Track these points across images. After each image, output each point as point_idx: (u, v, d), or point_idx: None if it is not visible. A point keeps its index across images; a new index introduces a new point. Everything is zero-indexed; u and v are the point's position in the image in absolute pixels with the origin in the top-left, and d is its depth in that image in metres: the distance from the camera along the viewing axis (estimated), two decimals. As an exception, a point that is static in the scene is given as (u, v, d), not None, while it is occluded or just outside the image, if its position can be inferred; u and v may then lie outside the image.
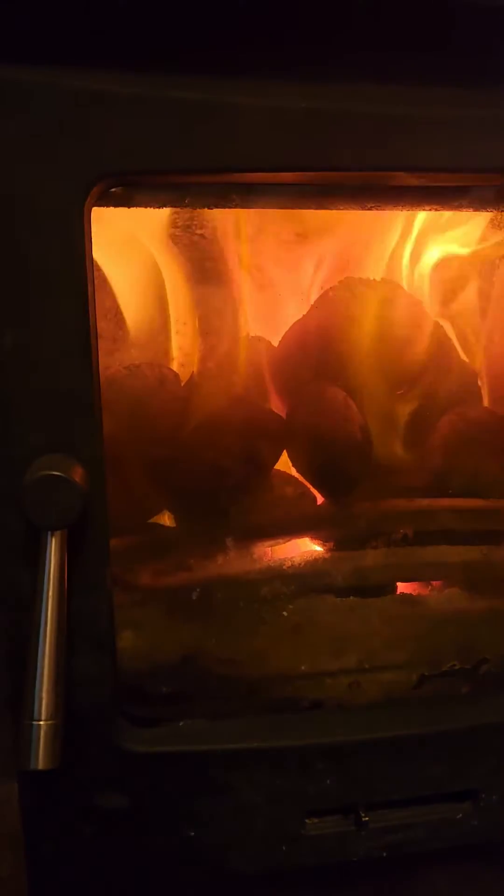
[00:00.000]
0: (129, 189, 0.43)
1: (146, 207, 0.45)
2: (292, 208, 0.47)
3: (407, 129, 0.41)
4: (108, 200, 0.44)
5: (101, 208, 0.44)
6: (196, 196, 0.44)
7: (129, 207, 0.44)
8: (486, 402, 0.63)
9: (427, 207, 0.50)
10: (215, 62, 0.39)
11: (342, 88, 0.41)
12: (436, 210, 0.52)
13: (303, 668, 0.54)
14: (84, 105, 0.39)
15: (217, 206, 0.46)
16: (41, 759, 0.41)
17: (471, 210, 0.51)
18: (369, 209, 0.47)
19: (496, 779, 0.56)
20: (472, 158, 0.42)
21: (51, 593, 0.42)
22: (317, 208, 0.49)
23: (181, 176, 0.41)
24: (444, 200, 0.47)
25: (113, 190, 0.43)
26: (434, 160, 0.42)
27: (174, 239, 0.56)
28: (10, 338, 0.42)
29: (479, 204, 0.49)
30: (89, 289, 0.42)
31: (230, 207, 0.45)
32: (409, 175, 0.42)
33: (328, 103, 0.40)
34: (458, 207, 0.48)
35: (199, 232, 0.55)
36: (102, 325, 0.56)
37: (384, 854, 0.56)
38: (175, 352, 0.62)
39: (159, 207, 0.46)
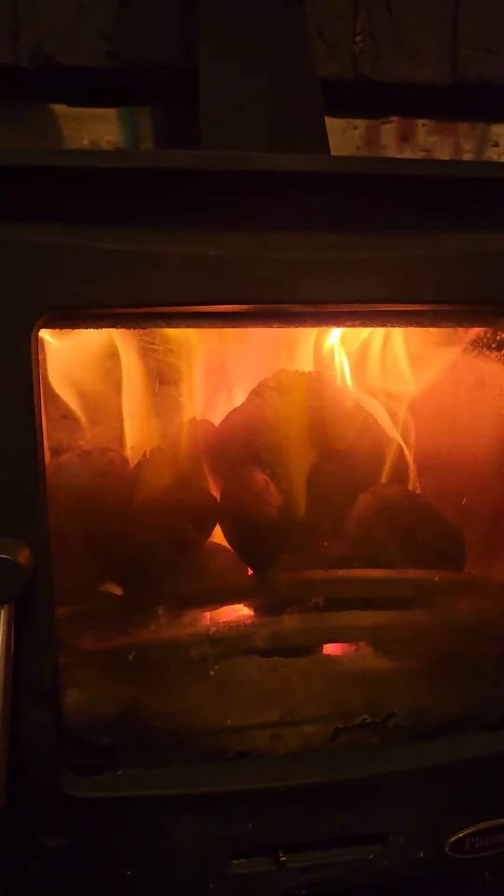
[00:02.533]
0: (72, 316, 0.51)
1: (86, 329, 0.53)
2: (208, 327, 0.55)
3: (298, 269, 0.50)
4: (55, 323, 0.52)
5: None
6: (128, 320, 0.53)
7: (73, 329, 0.53)
8: (401, 482, 0.71)
9: (328, 325, 0.58)
10: (137, 219, 0.48)
11: (245, 238, 0.50)
12: (328, 327, 0.61)
13: (229, 721, 0.60)
14: (28, 254, 0.47)
15: (146, 327, 0.55)
16: (-13, 801, 0.48)
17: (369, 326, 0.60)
18: (275, 327, 0.55)
19: (403, 822, 0.62)
20: (353, 293, 0.51)
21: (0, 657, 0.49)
22: (230, 328, 0.57)
23: (112, 309, 0.50)
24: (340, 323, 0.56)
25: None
26: (321, 294, 0.51)
27: (127, 344, 0.65)
28: (-32, 440, 0.50)
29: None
30: (35, 398, 0.50)
31: (157, 327, 0.54)
32: (301, 305, 0.51)
33: (232, 251, 0.49)
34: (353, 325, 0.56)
35: (147, 339, 0.64)
36: (56, 418, 0.64)
37: (303, 892, 0.62)
38: (126, 436, 0.70)
39: (97, 328, 0.54)
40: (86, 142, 0.76)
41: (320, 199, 0.50)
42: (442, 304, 0.53)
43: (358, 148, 0.82)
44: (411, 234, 0.51)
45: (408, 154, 0.83)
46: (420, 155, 0.84)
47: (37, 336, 0.49)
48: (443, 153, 0.84)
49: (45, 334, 0.54)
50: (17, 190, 0.47)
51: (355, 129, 0.81)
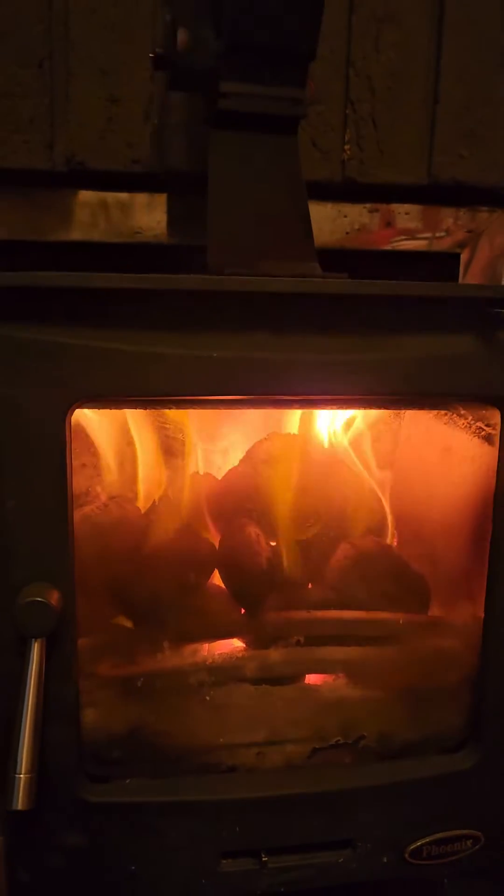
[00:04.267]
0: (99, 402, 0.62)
1: (111, 409, 0.64)
2: (211, 409, 0.66)
3: (284, 368, 0.61)
4: (85, 406, 0.63)
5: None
6: (145, 404, 0.64)
7: (99, 409, 0.64)
8: (375, 534, 0.82)
9: (311, 408, 0.69)
10: (152, 326, 0.59)
11: (242, 341, 0.61)
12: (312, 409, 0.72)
13: (221, 740, 0.70)
14: (64, 354, 0.58)
15: (158, 408, 0.66)
16: (20, 802, 0.58)
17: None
18: (270, 408, 0.66)
19: (369, 831, 0.72)
20: (329, 387, 0.62)
21: (33, 682, 0.59)
22: (229, 409, 0.68)
23: (132, 398, 0.61)
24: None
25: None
26: (304, 388, 0.62)
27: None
28: (12, 503, 0.60)
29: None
30: (68, 468, 0.61)
31: (168, 408, 0.65)
32: (290, 397, 0.61)
33: (231, 353, 0.60)
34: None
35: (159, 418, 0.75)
36: (76, 467, 0.75)
37: (282, 889, 0.72)
38: (140, 489, 0.81)
39: (119, 409, 0.65)
40: (102, 225, 0.87)
41: (304, 311, 0.61)
42: (404, 395, 0.64)
43: (347, 233, 0.93)
44: (378, 338, 0.62)
45: (394, 231, 0.94)
46: (401, 239, 0.94)
47: (70, 419, 0.60)
48: (423, 236, 0.95)
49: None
50: (54, 303, 0.58)
51: (345, 216, 0.92)
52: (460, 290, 0.63)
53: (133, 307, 0.59)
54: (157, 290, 0.58)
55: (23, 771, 0.58)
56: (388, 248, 0.93)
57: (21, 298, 0.57)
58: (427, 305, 0.63)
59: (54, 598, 0.60)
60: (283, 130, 0.66)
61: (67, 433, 0.60)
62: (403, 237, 0.94)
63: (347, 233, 0.92)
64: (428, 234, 0.94)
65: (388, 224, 0.93)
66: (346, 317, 0.62)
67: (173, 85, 0.69)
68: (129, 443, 0.77)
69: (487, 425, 0.73)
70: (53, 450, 0.60)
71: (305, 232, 0.68)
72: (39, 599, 0.58)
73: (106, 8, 0.78)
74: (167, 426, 0.74)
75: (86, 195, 0.85)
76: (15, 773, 0.58)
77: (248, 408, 0.67)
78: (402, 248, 0.93)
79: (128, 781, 0.69)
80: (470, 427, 0.77)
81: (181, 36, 0.62)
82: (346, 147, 0.86)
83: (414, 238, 0.94)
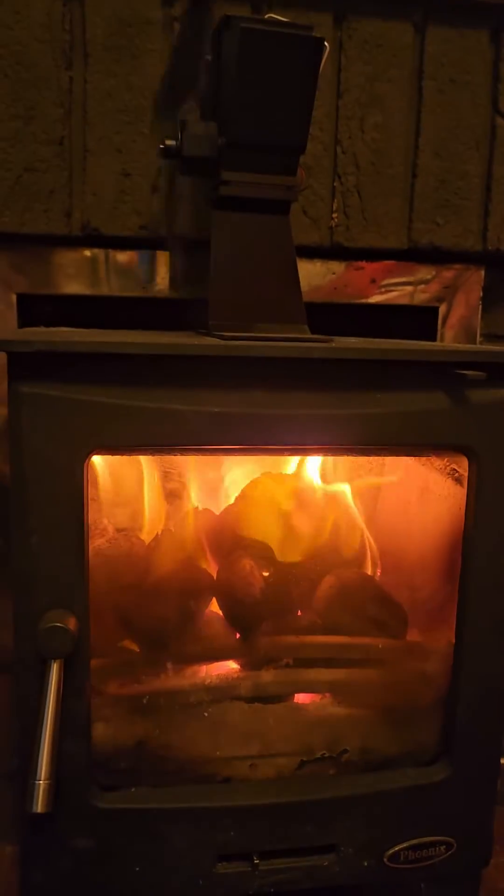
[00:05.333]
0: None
1: (124, 455, 0.72)
2: (210, 455, 0.75)
3: (275, 421, 0.69)
4: (100, 452, 0.72)
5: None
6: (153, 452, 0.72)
7: (113, 455, 0.72)
8: (358, 566, 0.90)
9: (301, 455, 0.78)
10: (160, 384, 0.67)
11: (238, 397, 0.69)
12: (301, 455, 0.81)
13: (218, 753, 0.78)
14: (83, 409, 0.66)
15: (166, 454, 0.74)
16: (40, 804, 0.65)
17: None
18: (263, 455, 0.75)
19: (351, 837, 0.79)
20: (316, 438, 0.70)
21: (52, 698, 0.67)
22: (226, 455, 0.77)
23: (144, 449, 0.69)
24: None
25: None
26: (293, 439, 0.70)
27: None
28: (35, 538, 0.68)
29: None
30: (85, 507, 0.69)
31: (173, 454, 0.73)
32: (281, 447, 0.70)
33: (229, 408, 0.68)
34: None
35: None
36: (93, 509, 0.83)
37: (272, 890, 0.79)
38: (145, 524, 0.89)
39: (131, 455, 0.74)
40: (114, 281, 0.96)
41: (294, 372, 0.69)
42: (382, 445, 0.72)
43: (335, 288, 1.02)
44: (358, 395, 0.71)
45: (375, 295, 1.03)
46: (385, 293, 1.03)
47: (87, 466, 0.68)
48: (403, 292, 1.04)
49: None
50: (75, 365, 0.66)
51: (333, 273, 1.01)
52: (429, 354, 0.71)
53: (144, 368, 0.67)
54: (168, 355, 0.66)
55: (42, 777, 0.66)
56: (372, 301, 1.02)
57: (48, 361, 0.66)
58: (401, 367, 0.72)
59: (72, 623, 0.67)
60: (276, 211, 0.76)
61: (85, 477, 0.68)
62: (386, 292, 1.03)
63: (335, 288, 1.01)
64: (409, 290, 1.03)
65: (373, 280, 1.02)
66: (331, 377, 0.70)
67: (181, 171, 0.78)
68: (135, 481, 0.85)
69: (458, 469, 0.81)
70: (72, 492, 0.68)
71: (296, 298, 0.77)
72: (59, 624, 0.66)
73: (120, 93, 0.88)
74: (170, 468, 0.82)
75: (98, 254, 0.94)
76: (35, 780, 0.66)
77: (244, 455, 0.75)
78: (385, 301, 1.02)
79: (133, 790, 0.76)
80: (444, 469, 0.85)
81: (189, 131, 0.71)
82: (334, 215, 0.95)
83: (396, 293, 1.03)
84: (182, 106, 0.85)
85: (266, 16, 0.69)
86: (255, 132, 0.69)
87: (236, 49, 0.66)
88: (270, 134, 0.70)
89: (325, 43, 0.68)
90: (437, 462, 0.87)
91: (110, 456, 0.77)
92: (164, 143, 0.73)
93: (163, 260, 0.96)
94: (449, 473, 0.85)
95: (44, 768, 0.65)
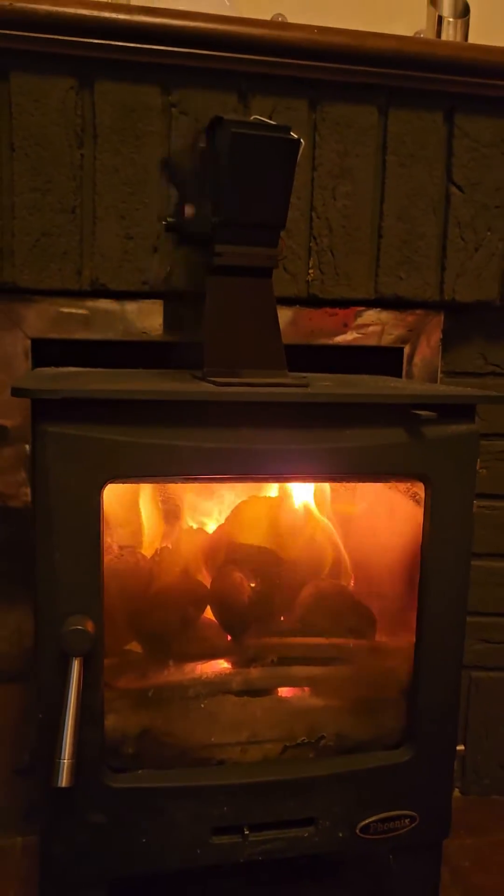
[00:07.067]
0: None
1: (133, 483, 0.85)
2: (206, 483, 0.88)
3: (263, 456, 0.83)
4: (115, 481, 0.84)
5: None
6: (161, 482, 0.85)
7: (122, 483, 0.85)
8: (333, 578, 1.03)
9: (285, 482, 0.91)
10: (164, 423, 0.80)
11: (230, 434, 0.82)
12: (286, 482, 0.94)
13: (213, 739, 0.90)
14: (99, 446, 0.79)
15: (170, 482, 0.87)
16: (64, 779, 0.77)
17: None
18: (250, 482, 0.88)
19: (328, 811, 0.91)
20: (300, 469, 0.84)
21: (73, 690, 0.79)
22: (219, 483, 0.90)
23: (151, 479, 0.82)
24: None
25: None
26: (278, 470, 0.83)
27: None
28: (58, 554, 0.81)
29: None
30: (101, 528, 0.81)
31: (175, 483, 0.86)
32: (266, 476, 0.83)
33: (221, 444, 0.81)
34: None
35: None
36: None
37: (259, 858, 0.91)
38: (146, 540, 1.02)
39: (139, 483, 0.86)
40: (117, 326, 1.09)
41: (277, 413, 0.83)
42: (352, 474, 0.86)
43: (312, 332, 1.15)
44: (331, 431, 0.84)
45: (349, 334, 1.17)
46: (355, 336, 1.17)
47: (102, 494, 0.81)
48: (372, 334, 1.18)
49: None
50: (93, 408, 0.79)
51: (311, 319, 1.15)
52: (389, 397, 0.85)
53: (151, 411, 0.80)
54: (171, 401, 0.80)
55: (66, 757, 0.78)
56: (344, 344, 1.16)
57: (70, 406, 0.78)
58: (366, 408, 0.85)
59: (90, 626, 0.80)
60: (261, 276, 0.89)
61: (101, 502, 0.81)
62: (357, 335, 1.17)
63: (312, 332, 1.15)
64: (377, 333, 1.17)
65: (345, 325, 1.16)
66: (307, 417, 0.84)
67: (181, 242, 0.91)
68: (137, 504, 0.98)
69: (417, 493, 0.95)
70: (91, 515, 0.80)
71: (277, 347, 0.91)
72: (80, 627, 0.79)
73: (125, 168, 1.01)
74: (169, 493, 0.95)
75: (104, 304, 1.07)
76: (60, 759, 0.78)
77: (234, 482, 0.88)
78: (356, 343, 1.16)
79: (140, 771, 0.88)
80: (407, 492, 0.99)
81: (187, 210, 0.85)
82: (311, 271, 1.09)
83: (365, 335, 1.17)
84: (179, 180, 0.99)
85: (252, 117, 0.83)
86: (244, 213, 0.83)
87: (227, 148, 0.79)
88: (256, 214, 0.84)
89: (302, 140, 0.82)
90: (400, 487, 1.00)
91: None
92: (166, 220, 0.87)
93: (157, 308, 1.09)
94: (411, 496, 0.98)
95: (68, 748, 0.77)
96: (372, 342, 1.17)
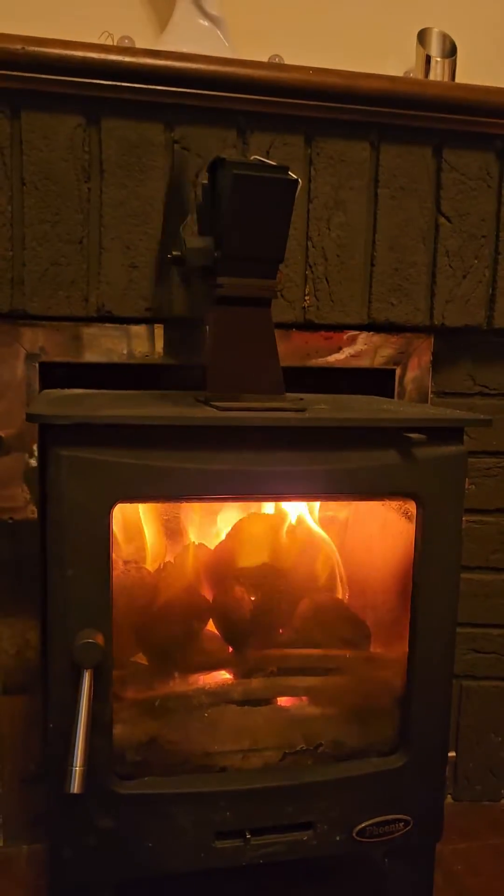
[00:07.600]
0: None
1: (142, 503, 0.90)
2: (208, 502, 0.92)
3: (262, 477, 0.87)
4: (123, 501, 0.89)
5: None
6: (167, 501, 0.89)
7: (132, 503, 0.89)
8: (329, 591, 1.07)
9: (284, 500, 0.96)
10: (170, 447, 0.85)
11: (231, 457, 0.87)
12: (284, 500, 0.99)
13: (216, 747, 0.94)
14: (109, 469, 0.84)
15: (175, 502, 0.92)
16: (76, 786, 0.81)
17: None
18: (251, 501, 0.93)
19: (326, 815, 0.95)
20: (297, 490, 0.88)
21: (84, 700, 0.83)
22: (221, 502, 0.95)
23: (158, 499, 0.86)
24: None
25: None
26: (278, 490, 0.88)
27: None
28: (71, 571, 0.85)
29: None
30: (111, 546, 0.86)
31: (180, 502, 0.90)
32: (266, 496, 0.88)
33: (224, 466, 0.86)
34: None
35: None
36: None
37: (261, 861, 0.95)
38: (149, 556, 1.06)
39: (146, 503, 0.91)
40: (121, 350, 1.14)
41: (275, 436, 0.87)
42: (347, 493, 0.90)
43: (308, 354, 1.20)
44: (328, 453, 0.89)
45: (343, 356, 1.22)
46: (349, 358, 1.22)
47: (112, 514, 0.85)
48: (365, 356, 1.23)
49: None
50: (103, 433, 0.84)
51: (307, 342, 1.20)
52: (382, 421, 0.90)
53: (157, 435, 0.85)
54: (176, 426, 0.84)
55: (78, 764, 0.81)
56: (339, 365, 1.21)
57: (81, 431, 0.83)
58: (360, 431, 0.90)
59: (100, 639, 0.84)
60: (260, 305, 0.94)
61: (111, 522, 0.85)
62: (351, 357, 1.22)
63: (308, 354, 1.20)
64: (369, 355, 1.22)
65: (339, 348, 1.21)
66: (305, 440, 0.89)
67: (183, 274, 0.96)
68: (140, 521, 1.02)
69: (409, 510, 0.99)
70: (101, 534, 0.85)
71: (276, 372, 0.95)
72: (91, 641, 0.83)
73: (130, 201, 1.06)
74: (172, 511, 1.00)
75: (110, 329, 1.11)
76: (72, 766, 0.82)
77: (236, 502, 0.93)
78: (350, 365, 1.21)
79: (146, 778, 0.92)
80: (399, 509, 1.03)
81: (190, 246, 0.90)
82: (307, 298, 1.15)
83: (359, 357, 1.22)
84: (181, 214, 1.04)
85: (252, 158, 0.88)
86: (244, 247, 0.88)
87: (229, 187, 0.85)
88: (256, 249, 0.89)
89: (299, 180, 0.87)
90: (392, 505, 1.05)
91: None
92: (171, 254, 0.92)
93: (159, 333, 1.14)
94: (403, 513, 1.03)
95: (79, 756, 0.81)
96: (365, 364, 1.22)
